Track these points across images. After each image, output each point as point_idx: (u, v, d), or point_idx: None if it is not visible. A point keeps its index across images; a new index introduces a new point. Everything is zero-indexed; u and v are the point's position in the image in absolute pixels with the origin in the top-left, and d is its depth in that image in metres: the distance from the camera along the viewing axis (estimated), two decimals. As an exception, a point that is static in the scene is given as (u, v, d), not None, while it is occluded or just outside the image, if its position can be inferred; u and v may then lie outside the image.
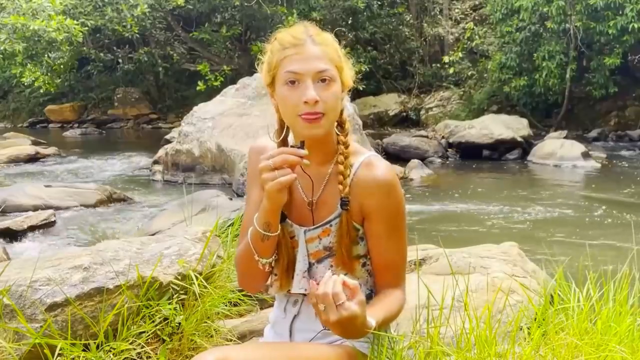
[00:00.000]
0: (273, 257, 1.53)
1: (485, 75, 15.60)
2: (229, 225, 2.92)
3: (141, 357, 1.97)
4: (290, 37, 1.46)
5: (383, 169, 1.51)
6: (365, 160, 1.53)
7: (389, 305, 1.50)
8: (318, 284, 1.32)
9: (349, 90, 1.55)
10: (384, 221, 1.51)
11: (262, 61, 1.53)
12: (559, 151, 11.06)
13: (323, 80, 1.43)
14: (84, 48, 17.13)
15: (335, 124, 1.53)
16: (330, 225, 1.53)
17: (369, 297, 1.58)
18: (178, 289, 2.14)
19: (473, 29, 16.54)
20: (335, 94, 1.45)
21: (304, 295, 1.59)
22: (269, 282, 1.60)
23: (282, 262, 1.54)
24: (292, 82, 1.43)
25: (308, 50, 1.44)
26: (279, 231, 1.49)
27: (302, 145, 1.40)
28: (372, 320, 1.36)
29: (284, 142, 1.53)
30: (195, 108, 9.93)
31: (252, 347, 1.70)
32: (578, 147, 11.04)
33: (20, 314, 1.85)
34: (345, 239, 1.51)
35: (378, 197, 1.49)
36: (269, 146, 1.58)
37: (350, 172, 1.51)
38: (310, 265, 1.55)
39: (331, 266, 1.54)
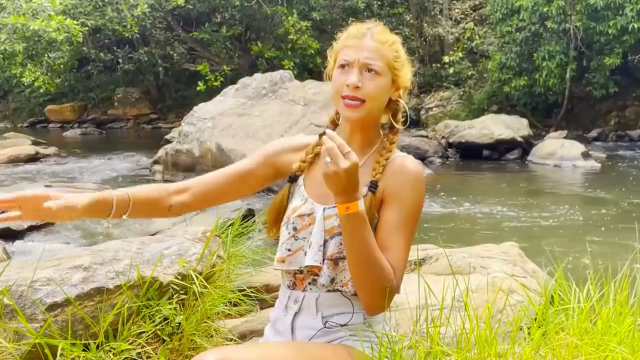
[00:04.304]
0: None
1: (485, 75, 15.59)
2: (229, 225, 2.91)
3: (141, 357, 1.97)
4: (355, 29, 1.63)
5: (417, 164, 1.65)
6: (403, 155, 1.66)
7: (381, 255, 1.49)
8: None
9: (404, 92, 1.67)
10: (400, 211, 1.55)
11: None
12: (559, 151, 11.07)
13: (369, 70, 1.57)
14: (84, 48, 17.13)
15: (388, 118, 1.67)
16: None
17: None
18: (178, 289, 2.14)
19: (473, 29, 16.52)
20: (378, 85, 1.57)
21: (305, 292, 1.61)
22: (276, 259, 1.63)
23: (272, 208, 1.66)
24: (342, 67, 1.58)
25: (363, 43, 1.58)
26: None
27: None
28: (362, 202, 1.45)
29: (333, 123, 1.70)
30: (195, 108, 9.93)
31: (253, 347, 1.71)
32: (578, 147, 11.05)
33: (21, 313, 1.85)
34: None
35: (403, 183, 1.58)
36: (301, 141, 1.74)
37: (386, 162, 1.62)
38: (325, 241, 1.57)
39: (340, 244, 1.55)
